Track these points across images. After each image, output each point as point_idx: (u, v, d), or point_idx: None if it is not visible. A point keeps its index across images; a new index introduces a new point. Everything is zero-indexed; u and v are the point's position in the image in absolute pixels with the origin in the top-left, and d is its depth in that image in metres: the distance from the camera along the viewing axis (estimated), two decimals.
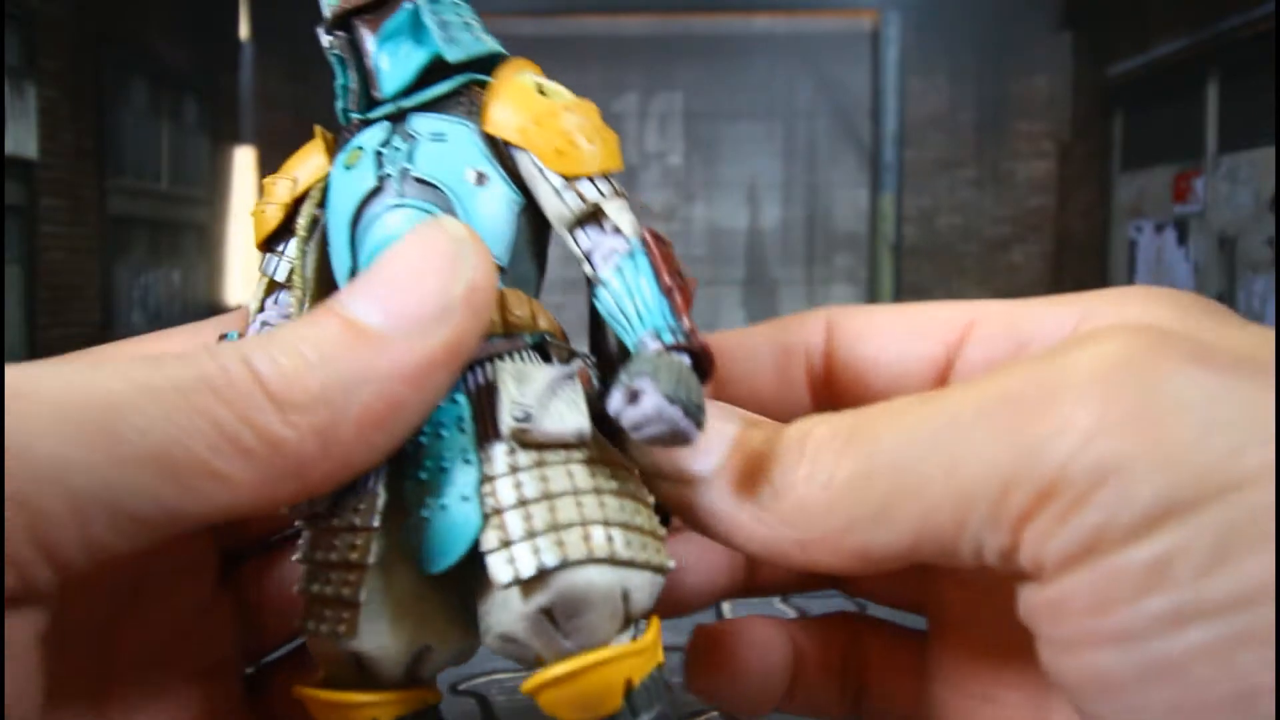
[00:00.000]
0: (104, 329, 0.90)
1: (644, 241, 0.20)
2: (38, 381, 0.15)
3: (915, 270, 2.85)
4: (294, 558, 0.19)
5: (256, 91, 1.27)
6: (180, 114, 1.11)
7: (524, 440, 0.18)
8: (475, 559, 0.17)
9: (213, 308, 1.21)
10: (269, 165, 1.42)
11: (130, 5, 1.00)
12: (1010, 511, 0.14)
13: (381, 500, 0.18)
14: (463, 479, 0.18)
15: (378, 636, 0.18)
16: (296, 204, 0.21)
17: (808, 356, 0.23)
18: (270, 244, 0.21)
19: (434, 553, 0.18)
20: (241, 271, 1.62)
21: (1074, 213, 2.75)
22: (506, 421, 0.18)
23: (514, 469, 0.17)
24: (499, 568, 0.17)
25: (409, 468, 0.18)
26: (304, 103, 1.33)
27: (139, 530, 0.14)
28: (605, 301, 0.19)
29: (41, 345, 0.79)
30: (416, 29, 0.21)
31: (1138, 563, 0.13)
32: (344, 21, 0.20)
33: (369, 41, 0.20)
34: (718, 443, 0.18)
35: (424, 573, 0.18)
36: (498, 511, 0.17)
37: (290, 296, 0.21)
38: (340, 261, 0.20)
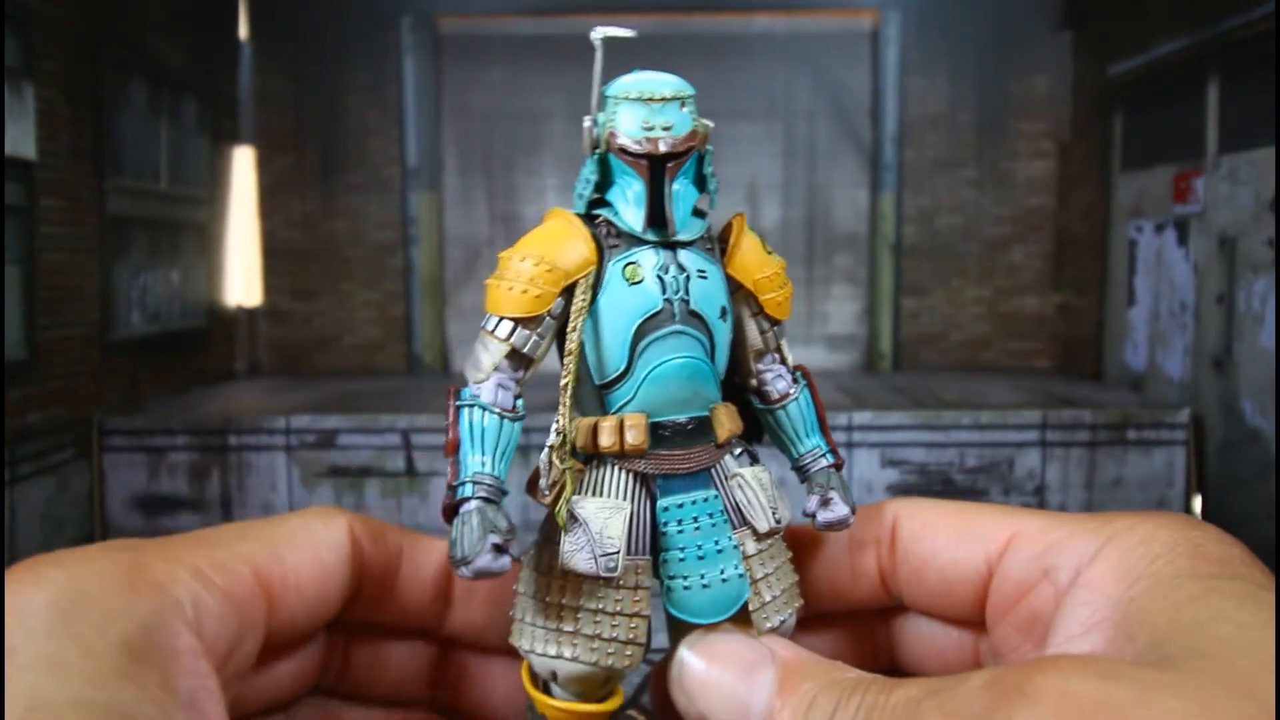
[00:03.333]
0: (104, 329, 0.89)
1: (807, 378, 0.29)
2: None
3: (915, 270, 2.85)
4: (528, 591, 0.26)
5: (256, 91, 1.27)
6: (179, 114, 1.11)
7: (770, 535, 0.26)
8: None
9: (212, 308, 1.21)
10: (268, 165, 1.41)
11: (130, 5, 1.00)
12: None
13: (649, 563, 0.25)
14: (735, 559, 0.26)
15: (638, 666, 0.25)
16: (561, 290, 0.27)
17: (877, 549, 0.28)
18: (517, 319, 0.27)
19: (712, 609, 0.25)
20: (240, 272, 1.62)
21: (1074, 213, 2.75)
22: (767, 521, 0.26)
23: (759, 551, 0.26)
24: (760, 621, 0.25)
25: (673, 546, 0.26)
26: (304, 103, 1.33)
27: None
28: (781, 422, 0.28)
29: (41, 345, 0.79)
30: (698, 175, 0.27)
31: None
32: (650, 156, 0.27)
33: (668, 178, 0.26)
34: (761, 695, 0.23)
35: (689, 619, 0.25)
36: (755, 581, 0.26)
37: (555, 371, 0.27)
38: (613, 359, 0.26)
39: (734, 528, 0.26)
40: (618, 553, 0.25)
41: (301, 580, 0.24)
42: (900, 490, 0.84)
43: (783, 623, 0.26)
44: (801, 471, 0.29)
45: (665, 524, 0.26)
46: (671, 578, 0.26)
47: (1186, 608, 0.19)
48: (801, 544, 0.29)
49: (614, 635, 0.25)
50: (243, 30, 1.31)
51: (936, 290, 2.83)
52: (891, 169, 2.78)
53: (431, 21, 1.29)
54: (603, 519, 0.25)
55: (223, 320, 1.33)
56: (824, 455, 0.28)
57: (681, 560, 0.25)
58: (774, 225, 2.81)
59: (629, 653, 0.25)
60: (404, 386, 1.15)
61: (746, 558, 0.26)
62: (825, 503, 0.27)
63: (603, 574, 0.25)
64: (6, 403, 0.76)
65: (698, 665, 0.23)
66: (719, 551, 0.26)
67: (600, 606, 0.25)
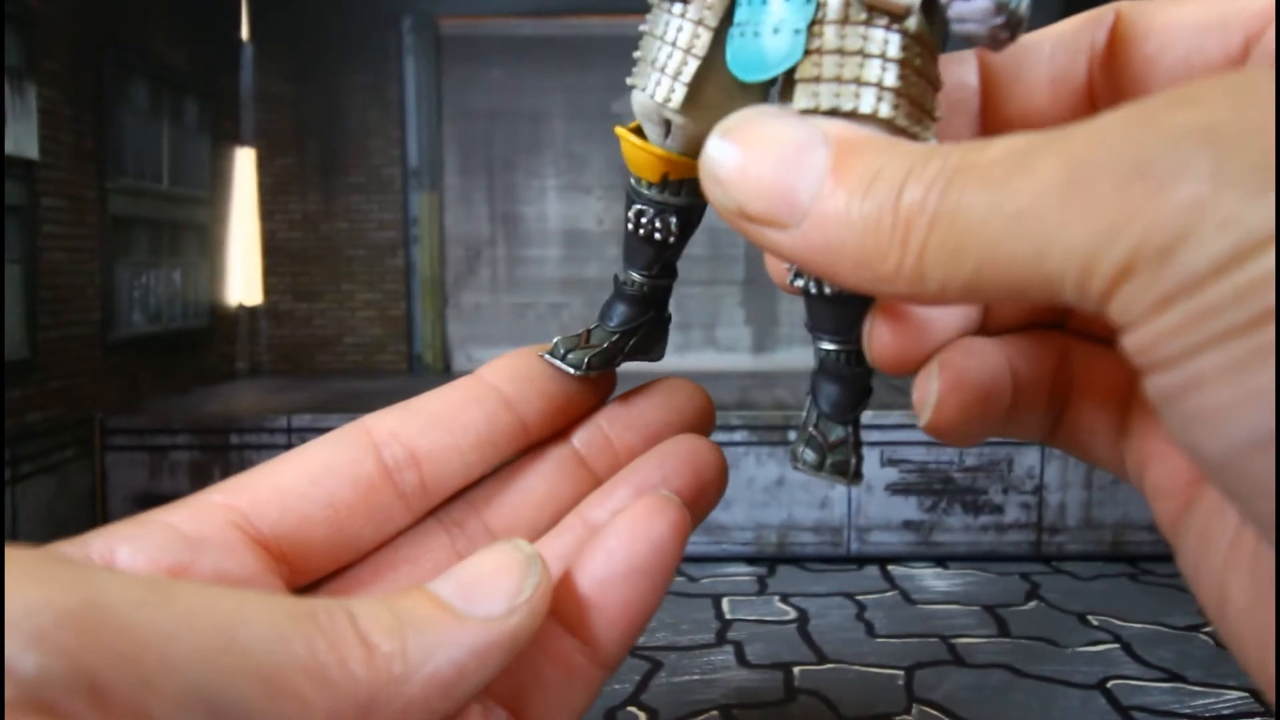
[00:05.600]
0: (105, 328, 0.89)
1: None
2: (174, 588, 0.16)
3: None
4: (643, 27, 0.23)
5: (256, 91, 1.27)
6: (180, 114, 1.11)
7: (865, 1, 0.20)
8: (783, 82, 0.21)
9: (213, 308, 1.21)
10: (269, 165, 1.42)
11: (130, 5, 1.01)
12: (1093, 290, 0.14)
13: (722, 9, 0.21)
14: (802, 14, 0.20)
15: (690, 111, 0.22)
16: None
17: (1090, 53, 0.22)
18: None
19: (753, 65, 0.21)
20: (242, 272, 1.63)
21: None
22: None
23: (844, 20, 0.20)
24: (803, 98, 0.20)
25: None
26: (304, 103, 1.34)
27: None
28: None
29: (41, 345, 0.79)
30: None
31: (1223, 294, 0.13)
32: None
33: None
34: (811, 177, 0.18)
35: (736, 77, 0.21)
36: (820, 51, 0.20)
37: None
38: None
39: None
40: None
41: (286, 500, 0.22)
42: (899, 489, 0.83)
43: (837, 111, 0.20)
44: None
45: None
46: (736, 25, 0.22)
47: None
48: (986, 61, 0.22)
49: (665, 65, 0.22)
50: (243, 30, 1.31)
51: None
52: None
53: (432, 21, 1.29)
54: None
55: (224, 320, 1.33)
56: None
57: (748, 3, 0.21)
58: None
59: (674, 89, 0.22)
60: (404, 386, 1.15)
61: (822, 21, 0.20)
62: None
63: None
64: (7, 402, 0.76)
65: (731, 151, 0.18)
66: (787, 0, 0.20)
67: (663, 35, 0.23)
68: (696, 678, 0.57)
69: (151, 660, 0.15)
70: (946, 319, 0.22)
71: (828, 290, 0.23)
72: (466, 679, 0.18)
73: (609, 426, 0.27)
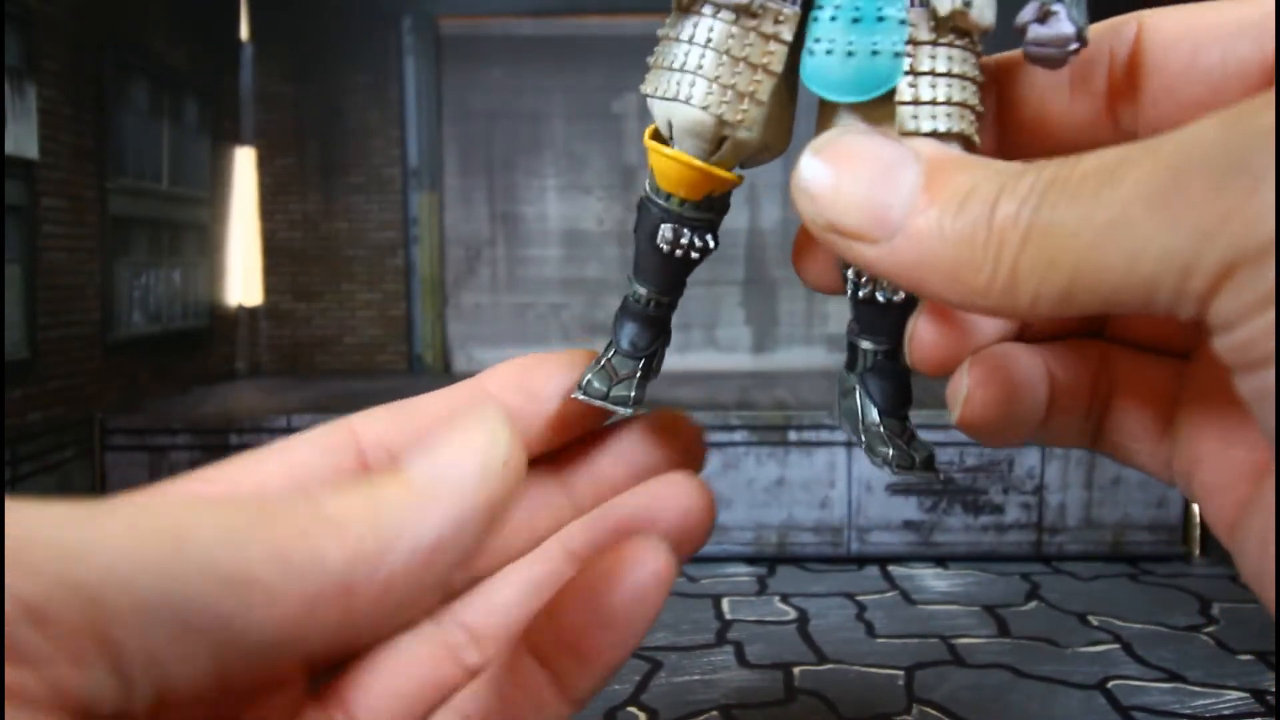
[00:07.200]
0: (105, 328, 0.89)
1: None
2: (115, 505, 0.15)
3: None
4: (663, 31, 0.22)
5: (256, 91, 1.27)
6: (180, 114, 1.11)
7: (952, 22, 0.21)
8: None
9: (213, 308, 1.21)
10: (269, 165, 1.42)
11: (130, 5, 1.00)
12: (1192, 293, 0.14)
13: (796, 16, 0.21)
14: (898, 35, 0.21)
15: (753, 129, 0.22)
16: None
17: (1110, 63, 0.22)
18: None
19: (850, 85, 0.21)
20: (241, 272, 1.62)
21: None
22: (949, 2, 0.20)
23: (934, 42, 0.21)
24: (905, 119, 0.20)
25: (828, 4, 0.21)
26: (304, 103, 1.34)
27: (197, 646, 0.15)
28: None
29: (41, 345, 0.79)
30: None
31: None
32: None
33: None
34: (903, 194, 0.18)
35: (821, 93, 0.21)
36: (915, 73, 0.21)
37: None
38: None
39: (910, 5, 0.21)
40: None
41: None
42: (900, 489, 0.83)
43: (935, 133, 0.20)
44: None
45: None
46: (816, 40, 0.21)
47: None
48: (1002, 64, 0.22)
49: (733, 82, 0.21)
50: (243, 30, 1.31)
51: None
52: None
53: (432, 21, 1.29)
54: None
55: (224, 320, 1.33)
56: None
57: (832, 20, 0.21)
58: (774, 225, 2.80)
59: (744, 107, 0.21)
60: (404, 386, 1.15)
61: (914, 41, 0.20)
62: (1044, 16, 0.20)
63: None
64: (7, 402, 0.76)
65: (824, 170, 0.18)
66: (879, 20, 0.21)
67: (728, 49, 0.21)
68: (696, 678, 0.57)
69: (91, 576, 0.14)
70: (986, 325, 0.23)
71: (897, 299, 0.23)
72: (448, 549, 0.18)
73: (598, 454, 0.26)
